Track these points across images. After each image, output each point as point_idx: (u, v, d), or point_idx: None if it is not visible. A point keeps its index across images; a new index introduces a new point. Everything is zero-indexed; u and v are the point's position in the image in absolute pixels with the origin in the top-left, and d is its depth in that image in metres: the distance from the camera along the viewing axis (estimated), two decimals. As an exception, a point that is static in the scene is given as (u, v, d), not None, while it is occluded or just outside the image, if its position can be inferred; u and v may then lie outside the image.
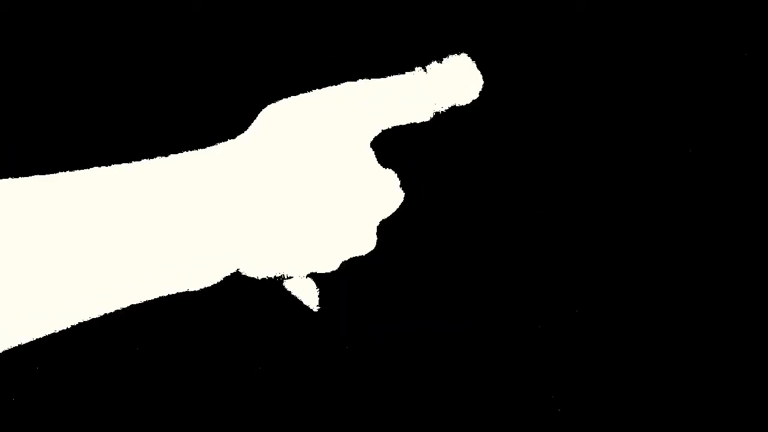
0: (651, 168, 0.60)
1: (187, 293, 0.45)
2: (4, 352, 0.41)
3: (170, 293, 0.44)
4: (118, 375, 0.58)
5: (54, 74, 0.59)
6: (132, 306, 0.43)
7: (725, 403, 0.57)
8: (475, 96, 0.49)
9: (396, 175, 0.47)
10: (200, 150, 0.44)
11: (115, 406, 0.58)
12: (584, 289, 0.59)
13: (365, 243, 0.46)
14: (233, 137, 0.46)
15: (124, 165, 0.43)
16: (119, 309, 0.42)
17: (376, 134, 0.48)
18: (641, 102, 0.61)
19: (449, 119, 0.55)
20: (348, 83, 0.47)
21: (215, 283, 0.44)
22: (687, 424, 0.57)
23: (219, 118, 0.59)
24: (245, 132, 0.46)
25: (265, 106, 0.46)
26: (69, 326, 0.41)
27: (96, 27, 0.59)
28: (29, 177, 0.41)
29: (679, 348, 0.58)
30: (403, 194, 0.47)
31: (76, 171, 0.42)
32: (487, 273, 0.59)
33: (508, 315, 0.58)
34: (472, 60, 0.49)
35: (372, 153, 0.47)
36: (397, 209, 0.47)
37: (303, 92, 0.47)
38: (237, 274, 0.46)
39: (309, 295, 0.49)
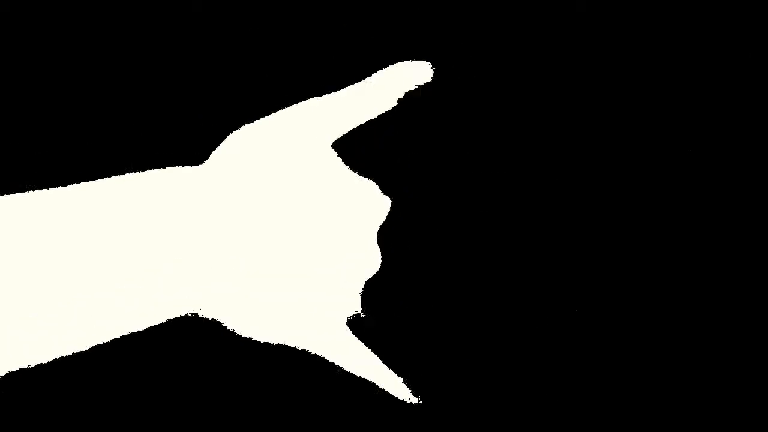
0: (650, 168, 0.60)
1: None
2: None
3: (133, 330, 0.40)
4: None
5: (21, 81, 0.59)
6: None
7: (725, 403, 0.57)
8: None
9: (375, 184, 0.46)
10: (172, 170, 0.42)
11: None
12: (583, 288, 0.59)
13: (371, 260, 0.45)
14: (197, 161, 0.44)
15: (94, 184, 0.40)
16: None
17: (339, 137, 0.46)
18: (641, 102, 0.61)
19: (440, 118, 0.55)
20: (302, 103, 0.46)
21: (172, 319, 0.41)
22: (687, 424, 0.57)
23: (215, 112, 0.59)
24: (212, 159, 0.44)
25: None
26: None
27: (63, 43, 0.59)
28: None
29: (679, 348, 0.58)
30: (388, 201, 0.46)
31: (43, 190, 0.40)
32: (487, 267, 0.59)
33: (507, 314, 0.59)
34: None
35: (342, 165, 0.45)
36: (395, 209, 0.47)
37: (266, 113, 0.46)
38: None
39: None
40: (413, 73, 0.48)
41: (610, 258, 0.59)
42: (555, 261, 0.59)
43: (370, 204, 0.45)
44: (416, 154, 0.59)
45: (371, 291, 0.50)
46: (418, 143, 0.59)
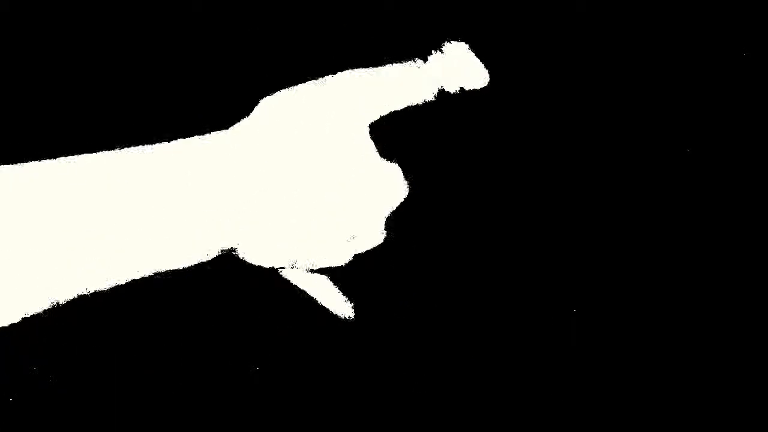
0: (650, 168, 0.60)
1: (185, 285, 0.43)
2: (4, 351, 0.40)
3: (165, 269, 0.42)
4: (112, 367, 0.58)
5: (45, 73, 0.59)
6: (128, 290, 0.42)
7: (724, 403, 0.57)
8: (477, 85, 0.48)
9: (400, 168, 0.47)
10: (201, 136, 0.43)
11: (108, 401, 0.58)
12: (582, 288, 0.59)
13: (373, 237, 0.46)
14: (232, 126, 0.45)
15: (123, 150, 0.42)
16: (116, 285, 0.41)
17: (375, 120, 0.47)
18: (641, 102, 0.61)
19: (452, 112, 0.55)
20: (345, 72, 0.46)
21: (208, 261, 0.43)
22: (686, 424, 0.57)
23: (217, 112, 0.59)
24: (245, 121, 0.45)
25: (263, 96, 0.46)
26: (62, 301, 0.40)
27: (90, 24, 0.59)
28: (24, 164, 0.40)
29: (678, 348, 0.58)
30: (407, 187, 0.47)
31: (73, 156, 0.41)
32: (488, 267, 0.59)
33: (507, 313, 0.59)
34: (473, 53, 0.48)
35: (372, 144, 0.46)
36: (403, 203, 0.47)
37: (301, 82, 0.46)
38: (237, 263, 0.45)
39: (316, 289, 0.48)
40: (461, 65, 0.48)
41: (608, 258, 0.59)
42: (554, 263, 0.59)
43: (388, 186, 0.46)
44: (427, 151, 0.59)
45: (375, 285, 0.51)
46: (429, 141, 0.59)
